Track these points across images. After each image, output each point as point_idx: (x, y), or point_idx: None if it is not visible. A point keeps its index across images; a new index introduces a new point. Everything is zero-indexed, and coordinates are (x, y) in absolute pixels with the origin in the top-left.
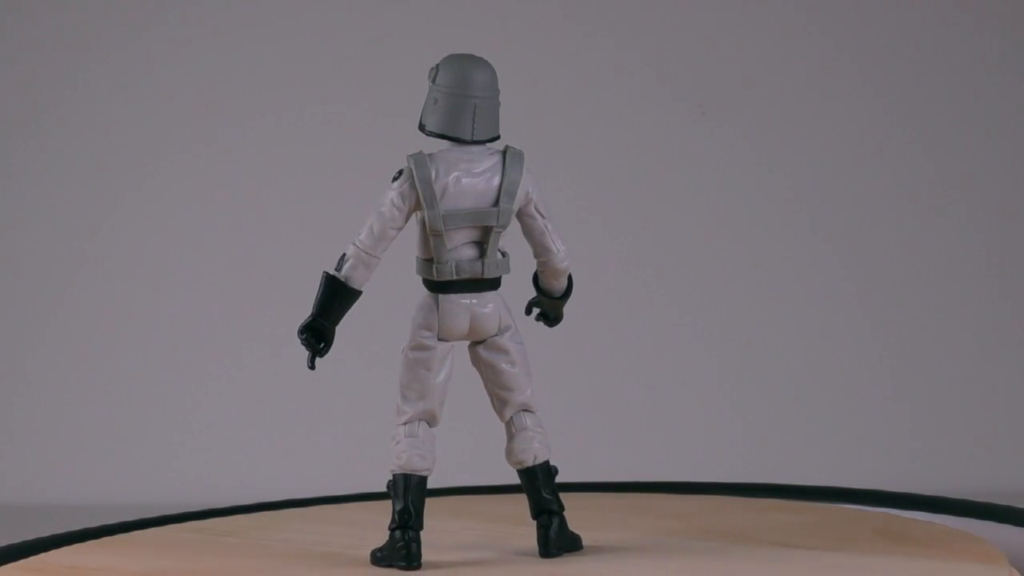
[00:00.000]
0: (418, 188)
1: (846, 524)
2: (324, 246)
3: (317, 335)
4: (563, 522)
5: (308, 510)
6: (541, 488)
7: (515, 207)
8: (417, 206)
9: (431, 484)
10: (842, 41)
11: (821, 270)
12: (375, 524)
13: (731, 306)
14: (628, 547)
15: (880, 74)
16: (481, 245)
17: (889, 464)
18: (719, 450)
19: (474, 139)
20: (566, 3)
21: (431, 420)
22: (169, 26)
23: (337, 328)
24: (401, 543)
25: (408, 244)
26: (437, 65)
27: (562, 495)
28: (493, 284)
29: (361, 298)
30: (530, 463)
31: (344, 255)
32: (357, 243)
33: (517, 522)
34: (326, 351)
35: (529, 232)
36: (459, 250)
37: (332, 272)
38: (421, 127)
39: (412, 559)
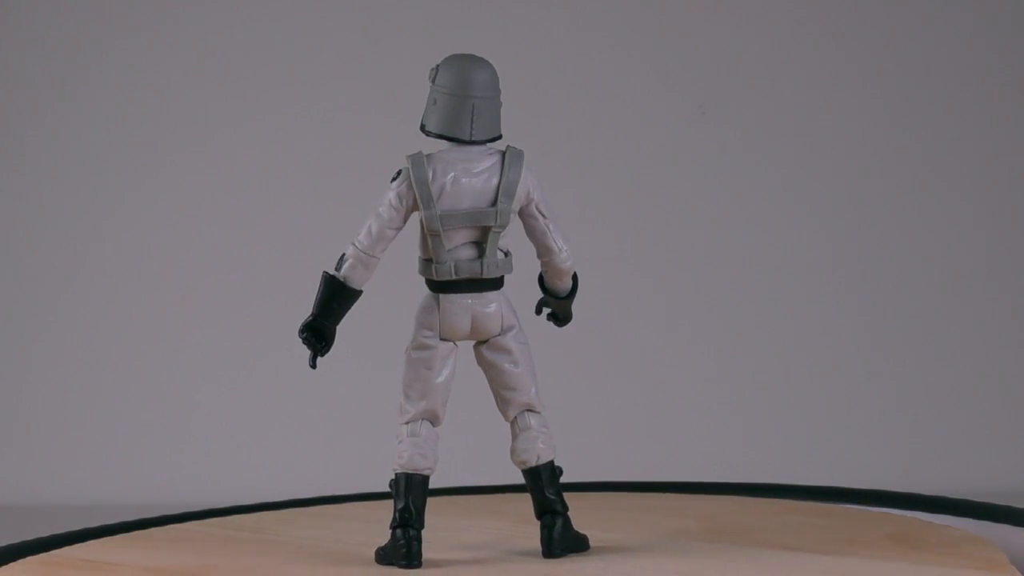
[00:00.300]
0: (415, 188)
1: (854, 527)
2: (326, 246)
3: (318, 334)
4: (567, 522)
5: (311, 509)
6: (545, 488)
7: (515, 207)
8: (415, 206)
9: (434, 483)
10: (842, 41)
11: (824, 270)
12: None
13: (734, 306)
14: (633, 547)
15: (880, 74)
16: (480, 245)
17: (889, 464)
18: (723, 450)
19: (473, 139)
20: (567, 3)
21: (434, 419)
22: (169, 26)
23: (339, 328)
24: (402, 542)
25: (409, 244)
26: (437, 65)
27: (566, 495)
28: (494, 284)
29: (363, 298)
30: (534, 463)
31: (343, 255)
32: (356, 243)
33: (521, 522)
34: (327, 350)
35: (531, 232)
36: (458, 250)
37: (331, 272)
38: (422, 128)
39: (412, 558)
